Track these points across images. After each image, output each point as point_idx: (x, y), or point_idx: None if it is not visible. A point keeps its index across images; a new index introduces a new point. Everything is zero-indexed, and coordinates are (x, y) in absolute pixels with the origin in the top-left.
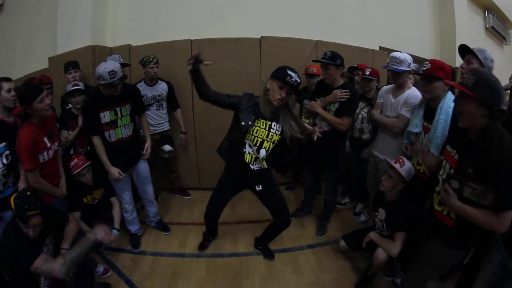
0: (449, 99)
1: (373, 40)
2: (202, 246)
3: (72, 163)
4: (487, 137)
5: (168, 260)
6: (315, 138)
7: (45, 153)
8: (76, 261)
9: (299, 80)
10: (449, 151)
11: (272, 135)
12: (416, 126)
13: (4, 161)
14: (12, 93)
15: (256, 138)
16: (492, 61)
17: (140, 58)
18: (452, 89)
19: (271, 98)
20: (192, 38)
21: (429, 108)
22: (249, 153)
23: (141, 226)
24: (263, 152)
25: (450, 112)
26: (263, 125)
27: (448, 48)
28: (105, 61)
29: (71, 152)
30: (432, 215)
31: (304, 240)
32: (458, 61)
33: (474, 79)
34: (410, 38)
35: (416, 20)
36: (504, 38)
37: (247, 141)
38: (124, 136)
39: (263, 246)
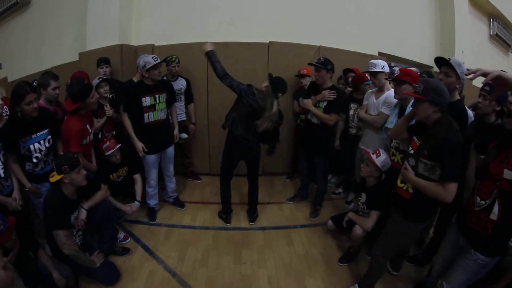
0: None
1: (373, 46)
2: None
3: (105, 146)
4: (438, 125)
5: (180, 231)
6: None
7: (88, 137)
8: (79, 260)
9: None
10: (415, 141)
11: None
12: (391, 123)
13: (47, 144)
14: (57, 91)
15: None
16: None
17: (162, 57)
18: None
19: None
20: (208, 41)
21: (402, 108)
22: None
23: (159, 203)
24: None
25: None
26: None
27: (448, 55)
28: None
29: (99, 136)
30: (395, 192)
31: (298, 221)
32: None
33: (423, 86)
34: (410, 44)
35: (416, 27)
36: (509, 46)
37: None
38: (160, 118)
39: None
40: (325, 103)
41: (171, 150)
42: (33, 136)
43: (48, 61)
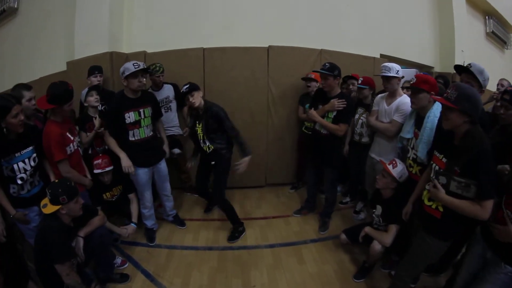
0: (436, 109)
1: (374, 48)
2: (232, 237)
3: (95, 162)
4: (469, 139)
5: (183, 253)
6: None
7: (70, 145)
8: None
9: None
10: (437, 156)
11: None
12: (408, 132)
13: (32, 163)
14: (33, 102)
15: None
16: (488, 79)
17: (153, 63)
18: None
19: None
20: (204, 47)
21: (419, 117)
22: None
23: (157, 222)
24: (202, 144)
25: (436, 121)
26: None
27: (448, 54)
28: None
29: (90, 152)
30: (422, 209)
31: (307, 235)
32: None
33: (456, 94)
34: (410, 45)
35: (416, 27)
36: (505, 43)
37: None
38: (146, 136)
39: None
40: (334, 113)
41: (163, 167)
42: (16, 154)
43: (39, 71)
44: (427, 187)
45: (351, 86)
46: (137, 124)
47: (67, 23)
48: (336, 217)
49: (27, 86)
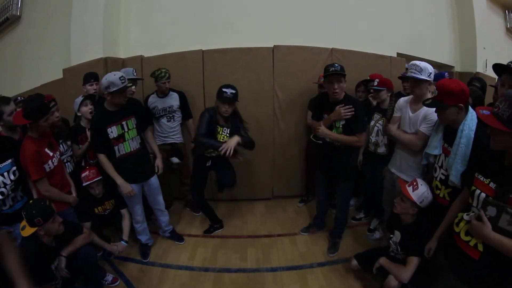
0: (471, 119)
1: (390, 46)
2: (207, 231)
3: (83, 175)
4: None
5: (177, 273)
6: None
7: (49, 161)
8: None
9: (234, 91)
10: (481, 180)
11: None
12: (435, 148)
13: (12, 177)
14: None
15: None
16: None
17: (152, 69)
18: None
19: (220, 111)
20: (203, 49)
21: (449, 129)
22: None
23: (152, 237)
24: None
25: (472, 135)
26: (223, 131)
27: (468, 52)
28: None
29: (83, 164)
30: (454, 244)
31: (314, 258)
32: (479, 66)
33: (510, 112)
34: (428, 43)
35: (434, 24)
36: None
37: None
38: (132, 149)
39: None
40: (342, 122)
41: (154, 181)
42: None
43: (40, 78)
44: (465, 217)
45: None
46: (121, 138)
47: (64, 28)
48: (347, 236)
49: (6, 100)
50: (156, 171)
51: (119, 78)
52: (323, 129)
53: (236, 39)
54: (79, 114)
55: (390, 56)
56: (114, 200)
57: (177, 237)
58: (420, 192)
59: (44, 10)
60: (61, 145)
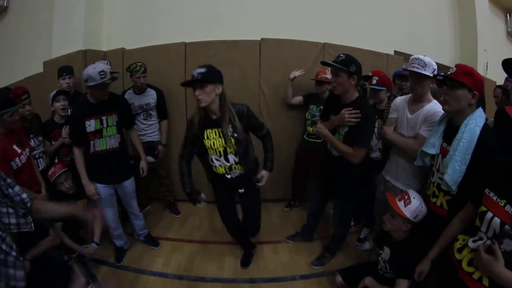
0: (479, 116)
1: (387, 43)
2: (245, 262)
3: (50, 172)
4: None
5: (149, 279)
6: None
7: (16, 159)
8: None
9: (202, 70)
10: (493, 199)
11: (230, 139)
12: (432, 146)
13: None
14: None
15: (216, 150)
16: None
17: (134, 62)
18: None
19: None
20: (186, 41)
21: (451, 126)
22: (220, 165)
23: (128, 241)
24: (231, 158)
25: (478, 133)
26: (215, 134)
27: (469, 53)
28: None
29: (56, 161)
30: (454, 274)
31: (297, 269)
32: (480, 68)
33: None
34: (428, 41)
35: (435, 23)
36: None
37: (212, 156)
38: (108, 147)
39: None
40: (345, 128)
41: (129, 184)
42: None
43: (24, 70)
44: (471, 244)
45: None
46: (97, 133)
47: (48, 19)
48: None
49: None
50: (141, 173)
51: (98, 72)
52: (319, 126)
53: (221, 31)
54: (52, 109)
55: (387, 54)
56: (87, 199)
57: (152, 241)
58: (413, 206)
59: (30, 0)
60: (32, 140)
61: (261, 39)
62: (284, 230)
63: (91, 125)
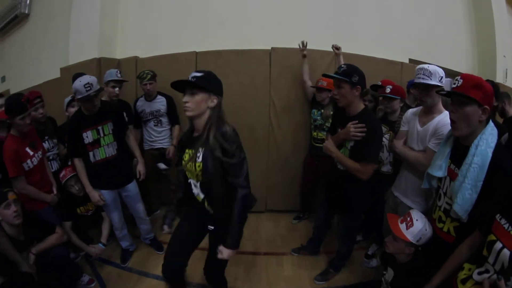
0: (490, 133)
1: (402, 51)
2: None
3: (61, 174)
4: None
5: (152, 282)
6: None
7: (28, 161)
8: None
9: (197, 74)
10: (504, 227)
11: (198, 165)
12: (439, 168)
13: None
14: (2, 109)
15: (190, 173)
16: None
17: (147, 70)
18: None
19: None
20: (197, 50)
21: (458, 145)
22: (198, 194)
23: (134, 244)
24: (195, 190)
25: (490, 155)
26: (190, 155)
27: (487, 60)
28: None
29: (69, 163)
30: None
31: (299, 283)
32: (499, 76)
33: None
34: (443, 48)
35: (450, 28)
36: None
37: (191, 180)
38: (108, 156)
39: None
40: (351, 142)
41: (132, 188)
42: None
43: (43, 75)
44: (475, 276)
45: (381, 98)
46: (96, 143)
47: (66, 27)
48: None
49: None
50: (138, 176)
51: (84, 85)
52: (327, 144)
53: (231, 40)
54: (67, 114)
55: (402, 62)
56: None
57: (157, 245)
58: (416, 229)
59: (50, 8)
60: (46, 142)
61: (272, 48)
62: (290, 243)
63: (88, 136)
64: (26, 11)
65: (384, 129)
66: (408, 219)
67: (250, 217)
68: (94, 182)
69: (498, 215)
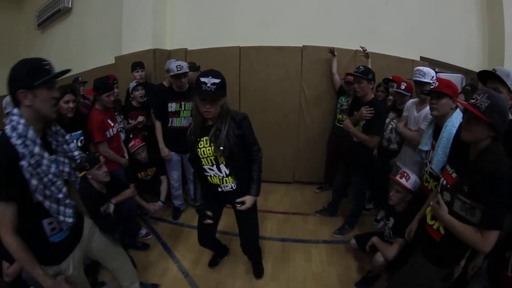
0: (455, 118)
1: (414, 49)
2: (213, 263)
3: (130, 144)
4: (487, 156)
5: None
6: None
7: (110, 130)
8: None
9: (216, 81)
10: (448, 170)
11: (219, 147)
12: (425, 144)
13: (79, 144)
14: (70, 104)
15: (207, 158)
16: None
17: (195, 60)
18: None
19: (201, 113)
20: (240, 46)
21: (437, 127)
22: (214, 175)
23: (184, 204)
24: (223, 169)
25: (453, 132)
26: (206, 143)
27: (498, 59)
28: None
29: (131, 136)
30: (423, 228)
31: (321, 236)
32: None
33: (488, 103)
34: (454, 47)
35: (461, 26)
36: None
37: (205, 166)
38: (182, 125)
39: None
40: (363, 121)
41: None
42: None
43: (89, 63)
44: (432, 203)
45: (390, 89)
46: (176, 114)
47: (115, 21)
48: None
49: (69, 88)
50: None
51: (176, 66)
52: (346, 122)
53: (269, 38)
54: (132, 96)
55: (412, 60)
56: (156, 168)
57: None
58: (412, 180)
59: (94, 4)
60: (117, 117)
61: (303, 46)
62: (314, 207)
63: (172, 106)
64: (70, 5)
65: (393, 115)
66: (406, 174)
67: (281, 186)
68: (167, 143)
69: (447, 165)
